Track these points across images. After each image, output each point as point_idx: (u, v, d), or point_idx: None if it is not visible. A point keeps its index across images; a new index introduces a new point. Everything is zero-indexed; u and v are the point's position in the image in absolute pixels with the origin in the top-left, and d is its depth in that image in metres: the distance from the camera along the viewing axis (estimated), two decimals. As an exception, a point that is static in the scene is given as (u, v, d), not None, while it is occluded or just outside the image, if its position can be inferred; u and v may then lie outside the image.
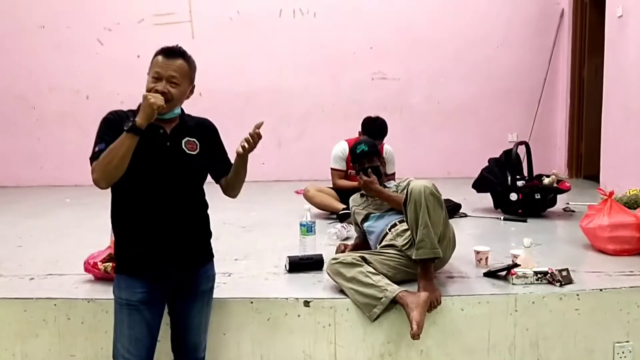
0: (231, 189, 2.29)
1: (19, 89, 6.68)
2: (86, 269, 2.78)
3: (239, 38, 6.60)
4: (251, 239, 3.70)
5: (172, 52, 2.05)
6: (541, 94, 6.49)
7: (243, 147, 2.09)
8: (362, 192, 3.28)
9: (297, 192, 5.59)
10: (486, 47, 6.52)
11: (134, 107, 2.06)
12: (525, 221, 3.97)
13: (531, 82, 6.54)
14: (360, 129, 4.44)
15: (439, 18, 6.54)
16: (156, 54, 2.06)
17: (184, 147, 2.11)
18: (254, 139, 2.08)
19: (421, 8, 6.55)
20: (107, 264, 2.72)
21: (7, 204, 5.53)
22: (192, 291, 2.20)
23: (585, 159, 6.19)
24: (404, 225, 2.78)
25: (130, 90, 6.38)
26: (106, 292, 2.56)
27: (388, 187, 3.15)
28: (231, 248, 3.38)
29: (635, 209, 3.16)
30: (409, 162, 5.59)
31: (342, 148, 4.44)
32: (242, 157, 2.14)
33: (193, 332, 2.24)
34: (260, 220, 4.30)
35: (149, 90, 1.99)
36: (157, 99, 1.92)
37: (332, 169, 4.49)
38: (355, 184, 4.20)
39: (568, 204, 4.45)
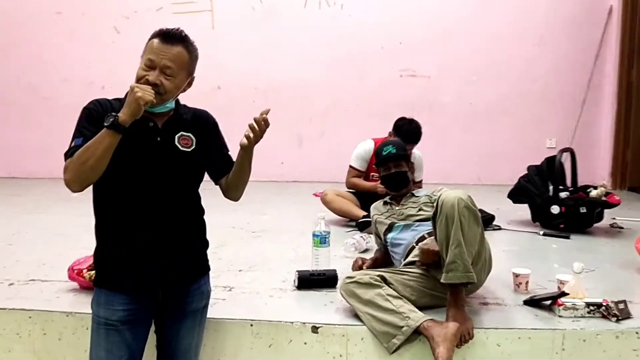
0: (234, 190, 1.94)
1: (31, 79, 6.51)
2: (70, 277, 2.49)
3: (261, 29, 6.30)
4: (260, 247, 3.36)
5: (170, 37, 1.73)
6: (585, 96, 6.01)
7: (248, 137, 1.76)
8: (385, 199, 2.91)
9: (316, 195, 5.25)
10: (524, 44, 6.08)
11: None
12: (568, 237, 3.55)
13: (574, 83, 6.07)
14: (391, 130, 4.04)
15: (473, 12, 6.12)
16: (152, 37, 1.75)
17: (177, 143, 1.80)
18: (260, 126, 1.75)
19: (454, 1, 6.14)
20: (93, 272, 2.40)
21: (12, 196, 5.33)
22: (182, 309, 1.88)
23: (631, 169, 5.71)
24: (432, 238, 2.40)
25: (146, 82, 6.24)
26: (90, 305, 2.26)
27: (417, 197, 2.78)
28: (237, 256, 3.07)
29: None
30: (437, 166, 5.20)
31: (368, 148, 4.07)
32: (247, 151, 1.80)
33: (182, 356, 1.92)
34: (272, 225, 3.96)
35: (138, 79, 1.70)
36: (146, 93, 1.62)
37: (350, 166, 4.11)
38: (370, 184, 3.83)
39: (614, 219, 4.01)
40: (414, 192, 2.85)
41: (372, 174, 4.05)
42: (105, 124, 1.60)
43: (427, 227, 2.57)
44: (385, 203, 2.90)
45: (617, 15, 5.84)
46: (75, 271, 2.47)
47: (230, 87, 6.22)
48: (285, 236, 3.64)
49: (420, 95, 6.13)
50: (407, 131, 3.90)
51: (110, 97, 1.83)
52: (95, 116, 1.71)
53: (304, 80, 6.26)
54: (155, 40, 1.73)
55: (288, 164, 6.29)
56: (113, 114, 1.61)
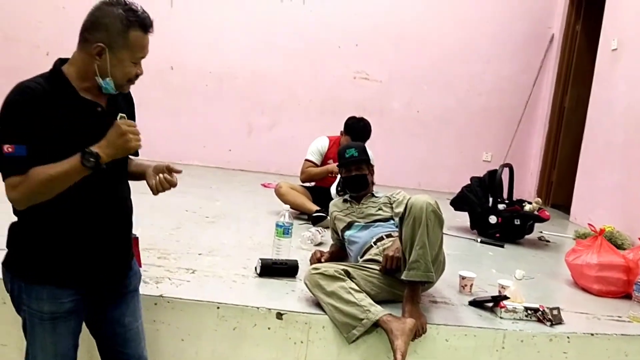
0: None
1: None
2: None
3: (221, 13, 6.25)
4: (216, 233, 3.40)
5: (148, 27, 1.61)
6: (521, 116, 6.42)
7: (155, 187, 1.69)
8: (345, 197, 3.04)
9: (265, 186, 5.34)
10: (473, 61, 6.38)
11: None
12: (502, 246, 3.83)
13: (513, 102, 6.45)
14: (342, 129, 4.20)
15: (429, 25, 6.37)
16: (132, 26, 1.56)
17: None
18: (171, 184, 1.69)
19: (412, 12, 6.36)
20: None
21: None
22: (123, 291, 1.82)
23: (555, 188, 6.15)
24: (392, 240, 2.57)
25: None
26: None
27: (377, 197, 2.93)
28: (194, 240, 3.10)
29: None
30: (382, 168, 5.34)
31: (324, 143, 4.25)
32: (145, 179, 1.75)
33: (135, 342, 1.85)
34: (225, 212, 4.00)
35: (130, 78, 1.61)
36: (138, 142, 1.54)
37: (306, 159, 4.25)
38: (324, 167, 4.04)
39: (542, 232, 4.36)
40: (373, 192, 3.00)
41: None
42: (87, 165, 1.48)
43: (384, 228, 2.73)
44: (345, 201, 3.02)
45: (558, 44, 6.25)
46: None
47: (184, 68, 6.14)
48: (240, 224, 3.70)
49: (372, 99, 6.31)
50: (356, 129, 4.09)
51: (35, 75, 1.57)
52: (31, 110, 1.48)
53: (260, 70, 6.29)
54: (140, 34, 1.58)
55: (236, 152, 6.30)
56: (94, 152, 1.48)
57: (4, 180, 1.49)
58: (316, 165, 4.20)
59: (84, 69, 1.58)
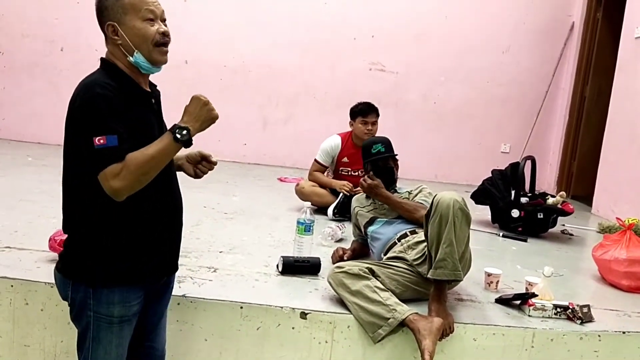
0: None
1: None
2: (51, 247, 2.44)
3: (235, 6, 6.21)
4: (235, 229, 3.38)
5: None
6: (540, 107, 6.30)
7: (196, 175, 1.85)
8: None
9: (281, 180, 5.31)
10: (491, 52, 6.28)
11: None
12: (525, 240, 3.76)
13: (532, 93, 6.34)
14: (350, 119, 4.11)
15: (446, 16, 6.27)
16: None
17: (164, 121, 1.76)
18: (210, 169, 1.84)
19: (430, 3, 6.26)
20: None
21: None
22: (168, 289, 1.87)
23: (575, 179, 6.05)
24: (416, 237, 2.53)
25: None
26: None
27: (399, 193, 2.87)
28: (214, 237, 3.08)
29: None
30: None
31: (334, 143, 4.08)
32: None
33: (161, 337, 1.90)
34: (243, 208, 3.97)
35: (150, 37, 1.56)
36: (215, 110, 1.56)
37: (315, 160, 4.14)
38: (333, 182, 3.99)
39: (564, 225, 4.28)
40: (396, 188, 2.94)
41: (340, 168, 4.10)
42: (180, 139, 1.51)
43: (408, 224, 2.67)
44: (367, 197, 2.97)
45: (578, 32, 6.12)
46: (57, 241, 2.41)
47: (198, 62, 6.11)
48: (259, 220, 3.66)
49: (388, 91, 6.23)
50: (360, 106, 4.06)
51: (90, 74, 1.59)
52: (113, 105, 1.49)
53: (275, 64, 6.24)
54: None
55: (251, 146, 6.27)
56: (184, 126, 1.51)
57: (100, 172, 1.46)
58: (324, 167, 4.12)
59: (120, 58, 1.59)
